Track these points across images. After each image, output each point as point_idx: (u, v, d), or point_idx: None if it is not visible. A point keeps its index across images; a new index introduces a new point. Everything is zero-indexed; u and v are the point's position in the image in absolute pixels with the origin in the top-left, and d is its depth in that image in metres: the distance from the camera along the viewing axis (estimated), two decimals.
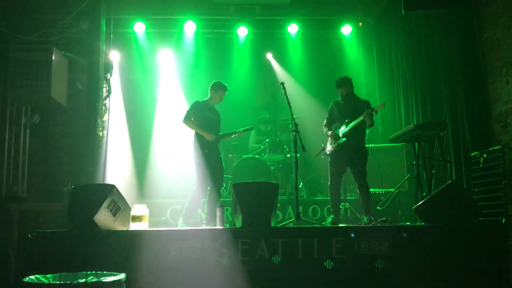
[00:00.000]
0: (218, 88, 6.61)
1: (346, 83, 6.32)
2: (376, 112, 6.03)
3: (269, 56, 9.95)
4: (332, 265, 4.43)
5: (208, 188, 6.34)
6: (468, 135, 6.29)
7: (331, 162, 6.34)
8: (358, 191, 6.26)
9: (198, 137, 6.39)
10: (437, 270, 4.48)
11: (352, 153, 6.17)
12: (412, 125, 6.13)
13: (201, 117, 6.43)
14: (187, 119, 6.40)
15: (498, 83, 5.93)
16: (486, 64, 6.19)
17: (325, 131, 6.50)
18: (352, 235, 4.56)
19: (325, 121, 6.58)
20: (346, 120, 6.21)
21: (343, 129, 6.21)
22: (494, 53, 6.01)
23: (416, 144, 6.33)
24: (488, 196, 5.66)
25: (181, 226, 6.20)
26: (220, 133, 6.60)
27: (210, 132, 6.37)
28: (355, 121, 6.08)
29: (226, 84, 6.65)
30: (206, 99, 6.63)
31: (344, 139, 6.16)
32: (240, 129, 6.72)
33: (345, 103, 6.35)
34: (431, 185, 6.22)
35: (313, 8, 8.86)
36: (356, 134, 6.18)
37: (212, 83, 6.67)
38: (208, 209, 6.31)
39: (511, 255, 5.46)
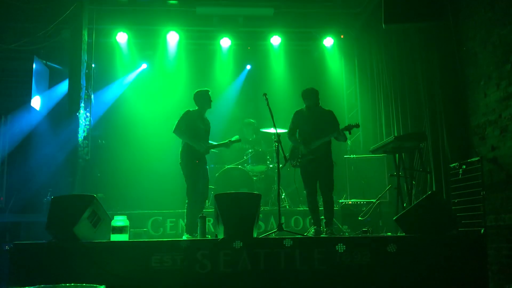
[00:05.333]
0: (202, 95, 6.46)
1: (314, 94, 6.33)
2: (350, 132, 6.10)
3: (252, 67, 9.99)
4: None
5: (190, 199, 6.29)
6: (447, 147, 6.39)
7: (302, 174, 6.30)
8: (323, 202, 6.19)
9: (189, 147, 6.26)
10: (417, 280, 4.51)
11: (318, 165, 6.15)
12: (392, 136, 6.19)
13: (192, 127, 6.29)
14: (178, 129, 6.23)
15: (476, 96, 6.05)
16: (464, 77, 6.31)
17: (292, 141, 6.38)
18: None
19: (289, 130, 6.42)
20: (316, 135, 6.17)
21: (312, 143, 6.17)
22: (472, 66, 6.14)
23: (397, 155, 6.38)
24: (467, 206, 5.74)
25: (186, 237, 5.99)
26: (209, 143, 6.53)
27: (200, 142, 6.31)
28: (326, 137, 6.08)
29: (206, 88, 6.53)
30: (196, 108, 6.48)
31: (313, 156, 6.14)
32: (226, 141, 6.64)
33: (311, 113, 6.30)
34: (412, 196, 6.28)
35: (296, 20, 8.97)
36: (322, 147, 6.15)
37: (194, 93, 6.50)
38: (188, 219, 6.20)
39: (489, 265, 5.54)
